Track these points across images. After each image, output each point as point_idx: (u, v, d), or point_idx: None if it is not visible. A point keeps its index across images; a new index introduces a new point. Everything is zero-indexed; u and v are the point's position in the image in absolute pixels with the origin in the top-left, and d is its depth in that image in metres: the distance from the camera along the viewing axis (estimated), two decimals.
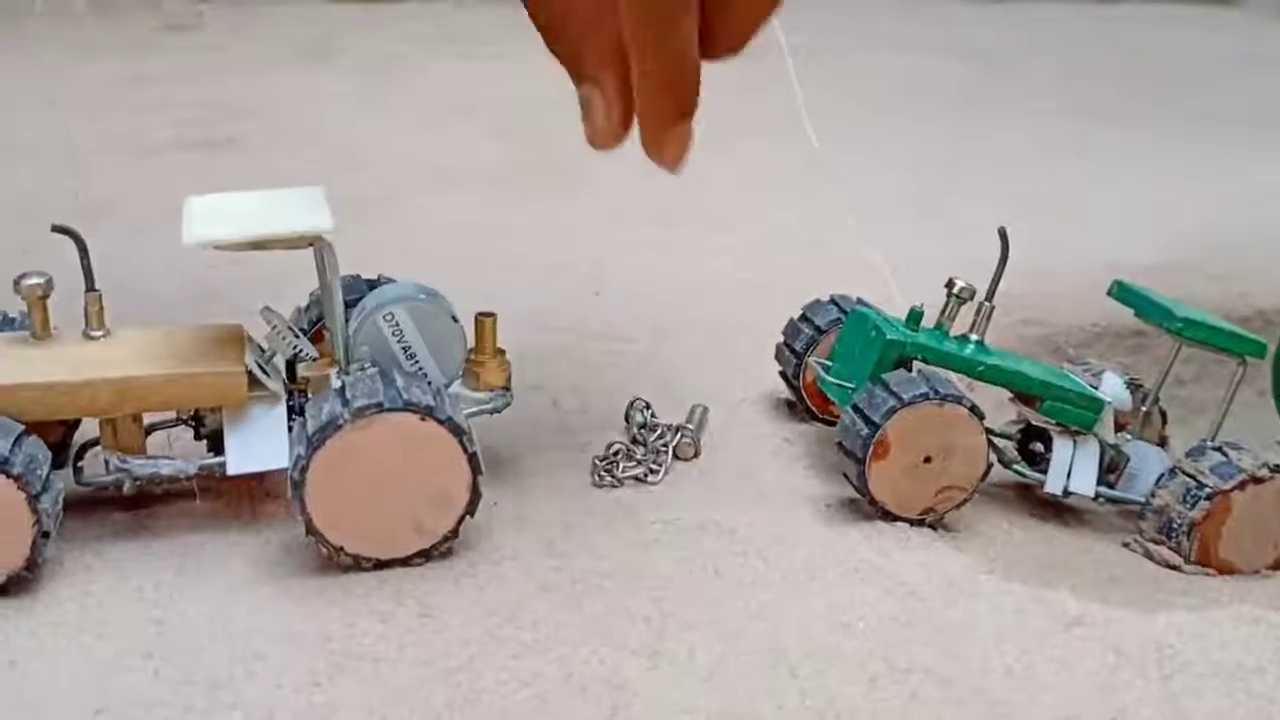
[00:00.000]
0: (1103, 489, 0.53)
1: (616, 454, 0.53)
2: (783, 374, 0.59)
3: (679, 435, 0.53)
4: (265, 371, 0.46)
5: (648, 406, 0.56)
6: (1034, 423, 0.54)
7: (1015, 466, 0.54)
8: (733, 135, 1.06)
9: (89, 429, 0.47)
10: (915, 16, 1.81)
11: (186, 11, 1.60)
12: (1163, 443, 0.58)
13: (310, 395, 0.47)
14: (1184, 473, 0.52)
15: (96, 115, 1.11)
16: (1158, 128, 1.21)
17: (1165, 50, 1.63)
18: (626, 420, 0.56)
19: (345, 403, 0.42)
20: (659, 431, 0.55)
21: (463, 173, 0.93)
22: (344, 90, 1.25)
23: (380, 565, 0.44)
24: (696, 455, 0.54)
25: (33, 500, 0.41)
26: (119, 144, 1.01)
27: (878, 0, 1.87)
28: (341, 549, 0.44)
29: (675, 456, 0.53)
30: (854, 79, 1.35)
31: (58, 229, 0.45)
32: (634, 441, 0.53)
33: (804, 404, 0.58)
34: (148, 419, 0.47)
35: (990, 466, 0.51)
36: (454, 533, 0.45)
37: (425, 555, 0.45)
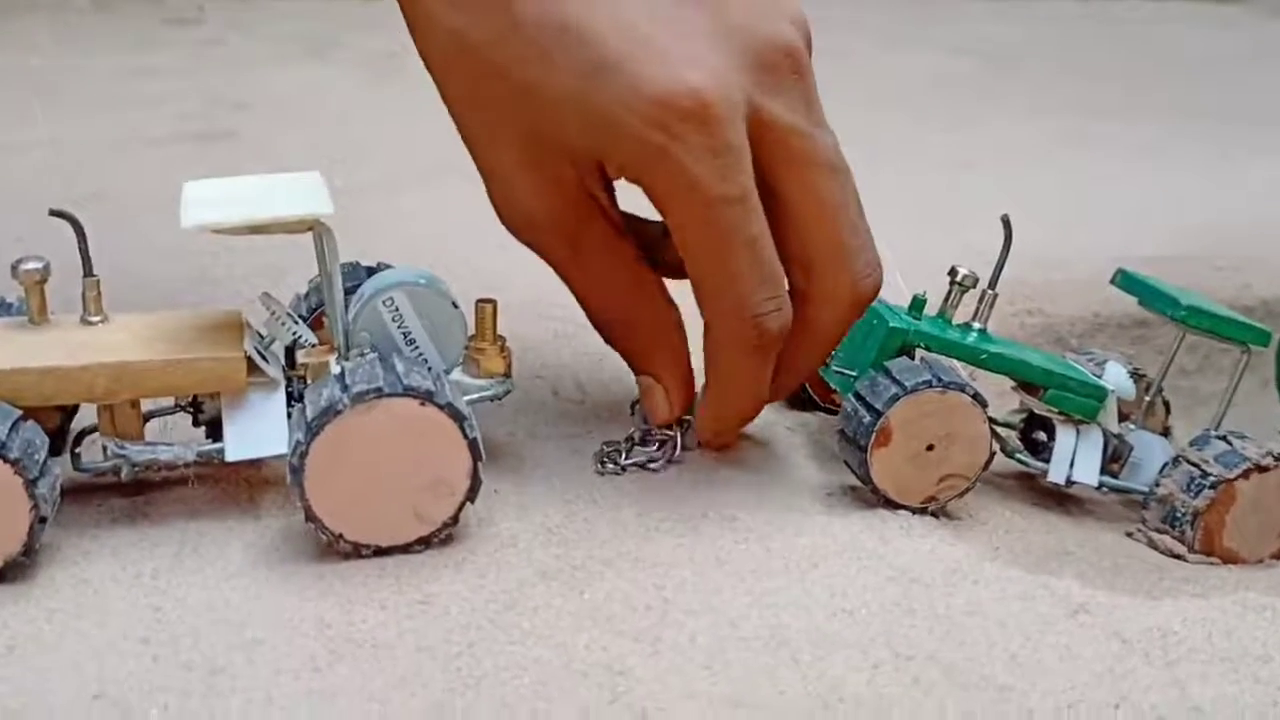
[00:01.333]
0: (1106, 478, 0.53)
1: (627, 440, 0.53)
2: None
3: (686, 427, 0.53)
4: (264, 357, 0.46)
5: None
6: (1037, 411, 0.54)
7: (1018, 455, 0.54)
8: None
9: (87, 415, 0.47)
10: (919, 13, 1.81)
11: (187, 5, 1.60)
12: (1166, 432, 0.58)
13: (309, 381, 0.46)
14: (1188, 462, 0.52)
15: (96, 108, 1.11)
16: (1161, 122, 1.21)
17: (1168, 45, 1.63)
18: (632, 411, 0.55)
19: (344, 388, 0.42)
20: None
21: (464, 162, 0.92)
22: (345, 84, 1.24)
23: (380, 552, 0.44)
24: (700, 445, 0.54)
25: (30, 486, 0.41)
26: (119, 136, 1.01)
27: None
28: (341, 535, 0.43)
29: (683, 447, 0.53)
30: (858, 75, 1.35)
31: (56, 213, 0.44)
32: (646, 434, 0.53)
33: (805, 392, 0.58)
34: (146, 405, 0.47)
35: (993, 455, 0.50)
36: (454, 519, 0.45)
37: (425, 542, 0.45)
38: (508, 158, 0.48)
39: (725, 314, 0.47)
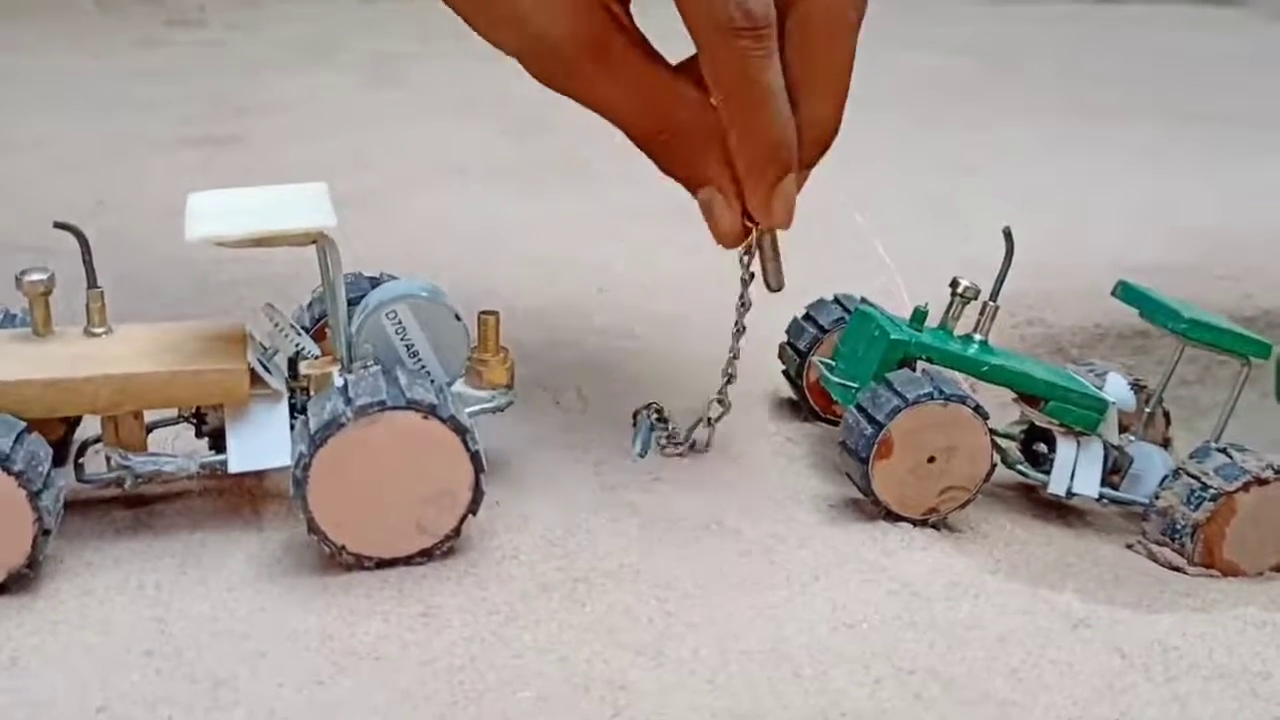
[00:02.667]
0: (1106, 490, 0.53)
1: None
2: (786, 373, 0.59)
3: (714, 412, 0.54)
4: (267, 369, 0.46)
5: (660, 412, 0.56)
6: (1037, 423, 0.54)
7: (1019, 467, 0.54)
8: None
9: (90, 426, 0.47)
10: (918, 14, 1.81)
11: (190, 7, 1.60)
12: (1166, 444, 0.58)
13: (312, 393, 0.46)
14: (1188, 474, 0.52)
15: (99, 110, 1.11)
16: (1161, 127, 1.21)
17: (1168, 49, 1.62)
18: (634, 422, 0.56)
19: (348, 401, 0.42)
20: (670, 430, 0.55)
21: (467, 170, 0.92)
22: (348, 87, 1.24)
23: (382, 564, 0.44)
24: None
25: (34, 498, 0.41)
26: (122, 140, 1.01)
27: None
28: (343, 548, 0.43)
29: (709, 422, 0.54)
30: (856, 75, 1.35)
31: (60, 225, 0.44)
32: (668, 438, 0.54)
33: (807, 403, 0.58)
34: (149, 416, 0.47)
35: (994, 467, 0.50)
36: (456, 532, 0.45)
37: (427, 554, 0.45)
38: None
39: (707, 4, 0.45)
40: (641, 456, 0.54)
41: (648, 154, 0.51)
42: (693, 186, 0.51)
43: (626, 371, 0.62)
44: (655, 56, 0.50)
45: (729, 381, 0.54)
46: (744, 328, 0.53)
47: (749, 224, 0.50)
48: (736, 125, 0.48)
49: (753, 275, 0.52)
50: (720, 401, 0.54)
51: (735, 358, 0.54)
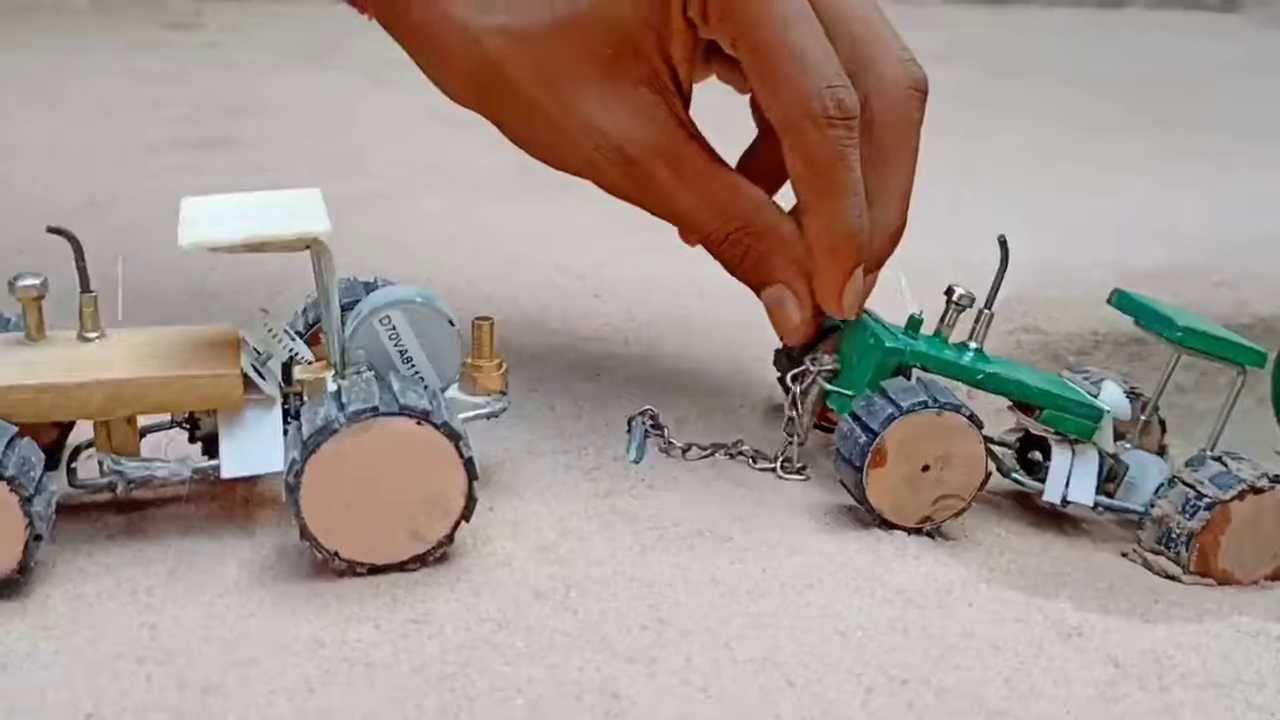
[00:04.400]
0: (1101, 498, 0.53)
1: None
2: (781, 380, 0.59)
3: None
4: (260, 374, 0.46)
5: (654, 419, 0.56)
6: (1033, 431, 0.54)
7: (1013, 475, 0.54)
8: (734, 141, 1.06)
9: (83, 431, 0.47)
10: (916, 21, 1.81)
11: (186, 9, 1.60)
12: (1162, 452, 0.58)
13: (306, 398, 0.46)
14: (1183, 482, 0.52)
15: (95, 111, 1.11)
16: (1158, 134, 1.21)
17: (1166, 56, 1.63)
18: (628, 428, 0.55)
19: (341, 407, 0.42)
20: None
21: (462, 175, 0.92)
22: (343, 90, 1.24)
23: (375, 570, 0.44)
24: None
25: (25, 503, 0.41)
26: (117, 141, 1.01)
27: (881, 5, 1.87)
28: (336, 554, 0.43)
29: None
30: None
31: (54, 230, 0.44)
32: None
33: None
34: (142, 421, 0.47)
35: (989, 475, 0.50)
36: (449, 538, 0.45)
37: (420, 560, 0.44)
38: (592, 110, 0.50)
39: (801, 91, 0.48)
40: (636, 463, 0.53)
41: (717, 256, 0.53)
42: (761, 286, 0.53)
43: (621, 378, 0.62)
44: (721, 160, 0.52)
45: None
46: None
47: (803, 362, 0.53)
48: (821, 212, 0.50)
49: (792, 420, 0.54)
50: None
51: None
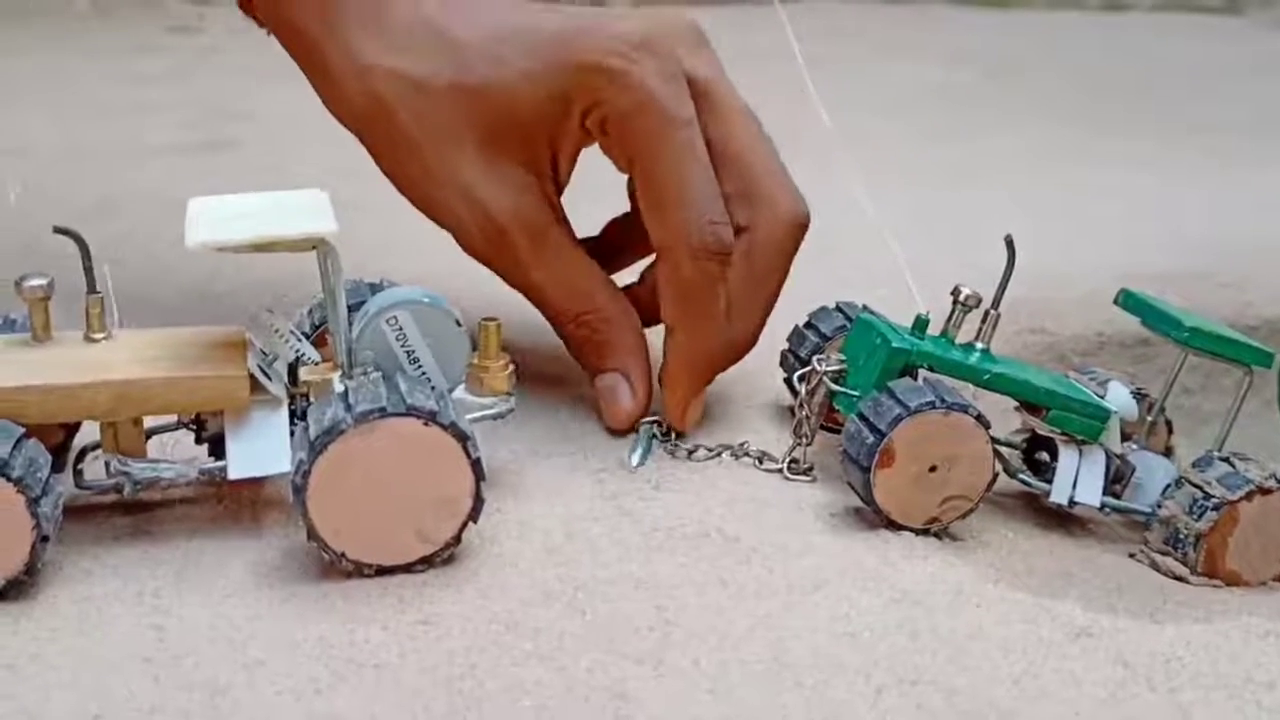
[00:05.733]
0: (1108, 499, 0.53)
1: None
2: (787, 381, 0.59)
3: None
4: (267, 375, 0.46)
5: (659, 424, 0.56)
6: (1040, 432, 0.54)
7: (1020, 476, 0.54)
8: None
9: (90, 432, 0.47)
10: (920, 24, 1.81)
11: (188, 13, 1.60)
12: (1168, 452, 0.58)
13: (312, 399, 0.46)
14: (1190, 483, 0.52)
15: (97, 114, 1.11)
16: (1163, 136, 1.21)
17: (1169, 58, 1.63)
18: (635, 433, 0.55)
19: (348, 407, 0.42)
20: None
21: None
22: None
23: (382, 571, 0.44)
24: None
25: (32, 504, 0.41)
26: (120, 144, 1.01)
27: (883, 8, 1.87)
28: (343, 555, 0.43)
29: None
30: (859, 85, 1.35)
31: (59, 230, 0.44)
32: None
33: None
34: (148, 422, 0.47)
35: (996, 476, 0.50)
36: (457, 539, 0.45)
37: (427, 562, 0.44)
38: (469, 173, 0.52)
39: (684, 223, 0.51)
40: (640, 466, 0.53)
41: (563, 335, 0.56)
42: (599, 371, 0.56)
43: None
44: (579, 246, 0.56)
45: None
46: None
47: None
48: (685, 332, 0.53)
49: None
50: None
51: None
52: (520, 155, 0.53)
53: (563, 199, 0.56)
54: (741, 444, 0.55)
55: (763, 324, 0.56)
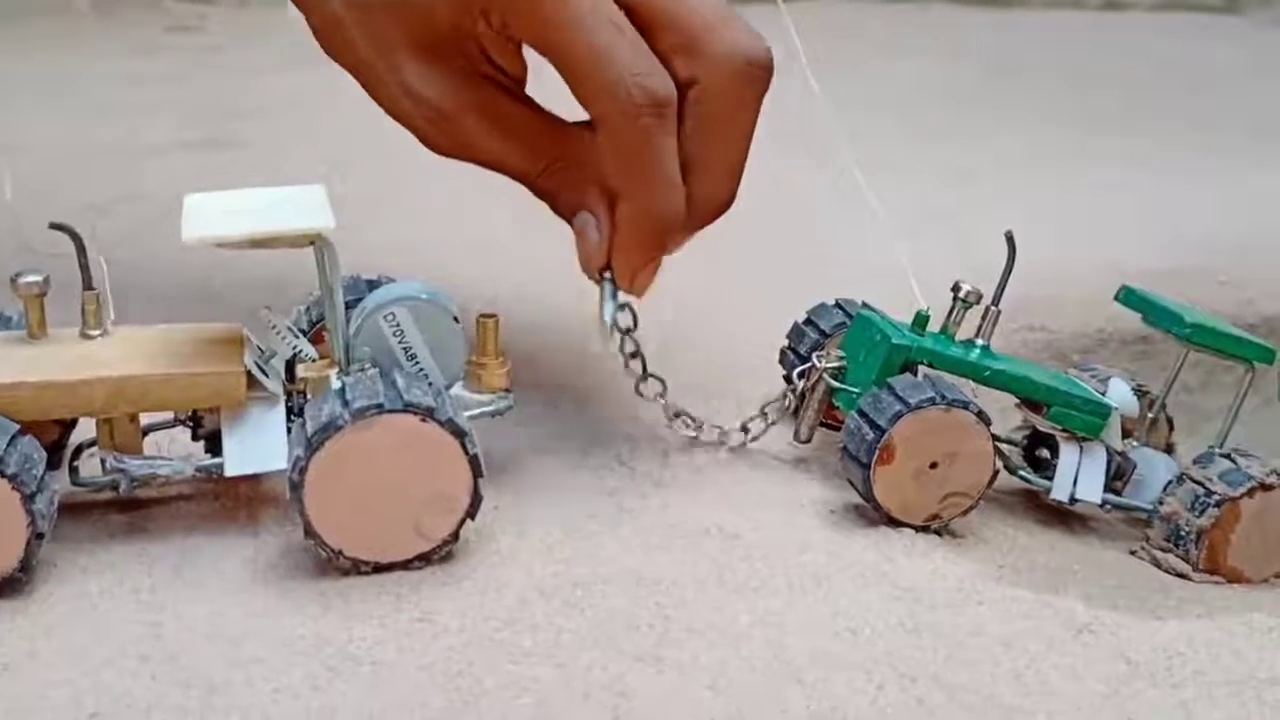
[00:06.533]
0: (1110, 496, 0.53)
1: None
2: (786, 378, 0.59)
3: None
4: (264, 372, 0.45)
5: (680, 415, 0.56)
6: (1040, 428, 0.53)
7: (1021, 472, 0.53)
8: None
9: (86, 429, 0.47)
10: (919, 22, 1.81)
11: (189, 13, 1.60)
12: (1169, 449, 0.58)
13: (309, 396, 0.46)
14: (1192, 480, 0.51)
15: (97, 114, 1.10)
16: (1162, 134, 1.21)
17: (1170, 58, 1.62)
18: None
19: (345, 404, 0.42)
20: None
21: (464, 174, 0.92)
22: (345, 93, 1.24)
23: (379, 568, 0.44)
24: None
25: (27, 501, 0.40)
26: (120, 143, 1.01)
27: (882, 7, 1.87)
28: (340, 552, 0.43)
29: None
30: (858, 83, 1.34)
31: (55, 226, 0.44)
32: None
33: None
34: (145, 419, 0.46)
35: (996, 473, 0.50)
36: (454, 536, 0.44)
37: (425, 559, 0.44)
38: (410, 76, 0.51)
39: (606, 85, 0.47)
40: (611, 327, 0.52)
41: (539, 194, 0.54)
42: (570, 213, 0.53)
43: (624, 378, 0.61)
44: (533, 104, 0.53)
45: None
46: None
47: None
48: (629, 199, 0.49)
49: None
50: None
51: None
52: (454, 59, 0.52)
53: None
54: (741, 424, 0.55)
55: (728, 181, 0.51)
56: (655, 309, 0.70)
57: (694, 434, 0.55)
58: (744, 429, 0.55)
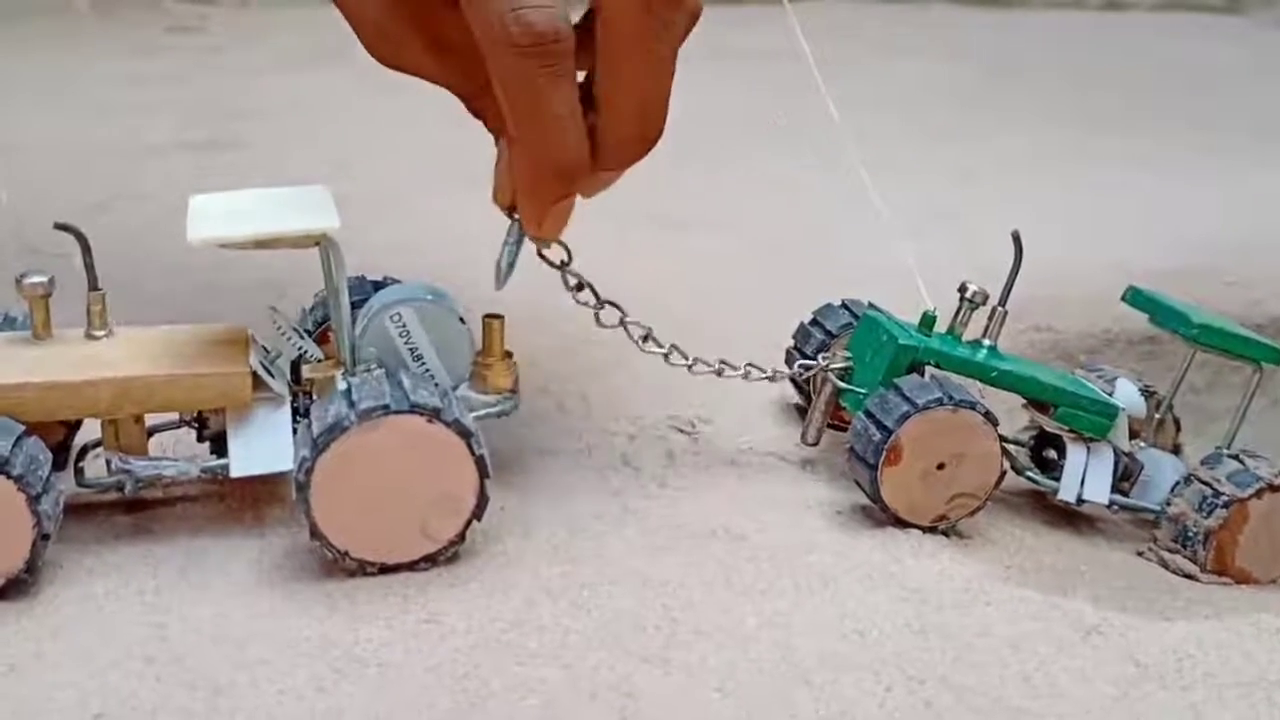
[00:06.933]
0: (1117, 497, 0.53)
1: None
2: (792, 379, 0.58)
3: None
4: (270, 373, 0.45)
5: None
6: (1047, 429, 0.53)
7: (1028, 473, 0.53)
8: (736, 140, 1.06)
9: (91, 430, 0.47)
10: (921, 23, 1.81)
11: (189, 14, 1.60)
12: (1176, 450, 0.58)
13: (315, 397, 0.46)
14: (1199, 480, 0.51)
15: (98, 114, 1.10)
16: (1166, 134, 1.21)
17: (1172, 58, 1.62)
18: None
19: (351, 404, 0.42)
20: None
21: (470, 174, 0.92)
22: (346, 93, 1.24)
23: (385, 570, 0.44)
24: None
25: (33, 502, 0.40)
26: (121, 143, 1.01)
27: (883, 7, 1.87)
28: (346, 553, 0.43)
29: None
30: (859, 83, 1.34)
31: (60, 227, 0.44)
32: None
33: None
34: (150, 420, 0.46)
35: (1004, 474, 0.50)
36: (461, 537, 0.44)
37: (431, 560, 0.44)
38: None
39: (485, 21, 0.43)
40: (503, 278, 0.49)
41: (473, 114, 0.50)
42: (496, 133, 0.49)
43: (631, 378, 0.61)
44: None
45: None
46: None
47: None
48: (519, 142, 0.46)
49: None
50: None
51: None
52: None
53: None
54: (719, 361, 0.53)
55: (639, 121, 0.47)
56: (657, 308, 0.71)
57: (664, 353, 0.52)
58: (721, 363, 0.53)
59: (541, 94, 0.44)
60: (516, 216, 0.48)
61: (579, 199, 0.49)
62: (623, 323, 0.51)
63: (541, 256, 0.49)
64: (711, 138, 1.04)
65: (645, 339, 0.52)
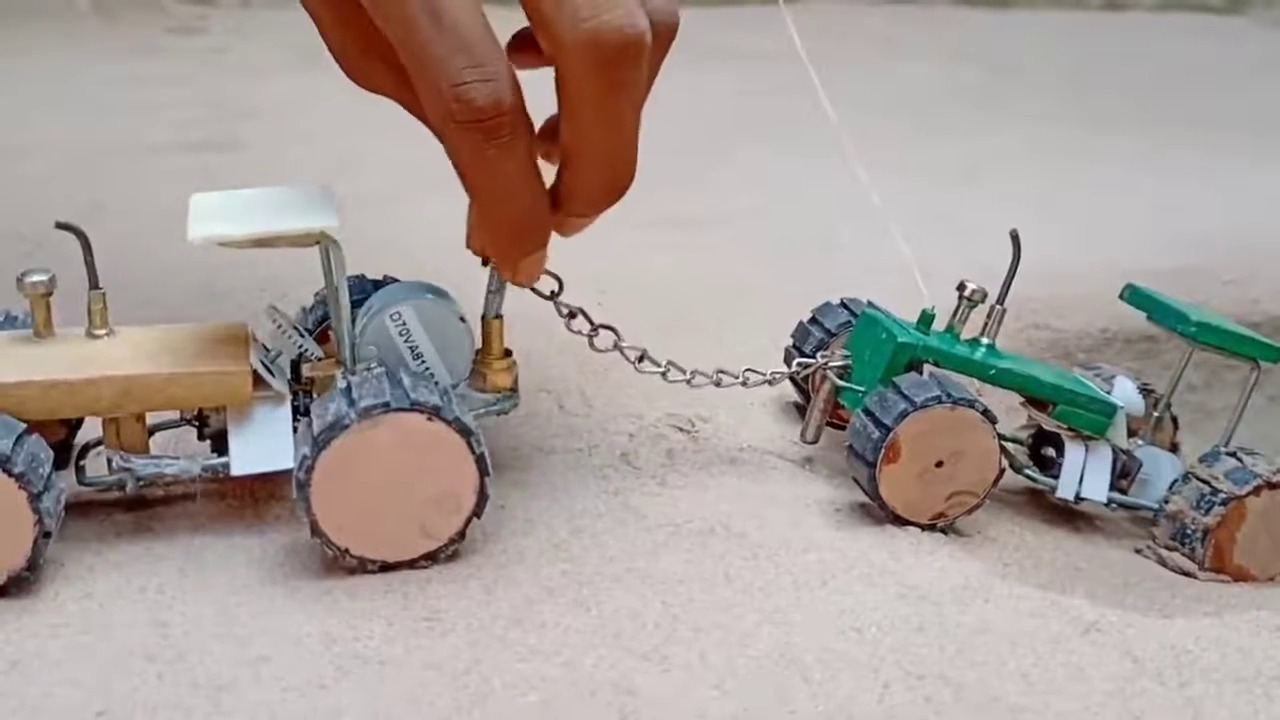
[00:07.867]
0: (1115, 495, 0.53)
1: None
2: (791, 378, 0.59)
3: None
4: (270, 371, 0.45)
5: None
6: (1046, 427, 0.53)
7: (1026, 471, 0.53)
8: (735, 139, 1.06)
9: (92, 428, 0.47)
10: (921, 22, 1.81)
11: (190, 15, 1.60)
12: (1174, 448, 0.58)
13: (315, 395, 0.46)
14: (1197, 478, 0.51)
15: (99, 115, 1.10)
16: (1165, 134, 1.21)
17: (1172, 57, 1.62)
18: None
19: (351, 403, 0.42)
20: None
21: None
22: (346, 93, 1.24)
23: (386, 567, 0.44)
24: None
25: (34, 500, 0.40)
26: (122, 144, 1.01)
27: (883, 7, 1.87)
28: (347, 551, 0.43)
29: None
30: (860, 83, 1.34)
31: (62, 226, 0.44)
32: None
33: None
34: (151, 418, 0.46)
35: (1002, 471, 0.50)
36: (461, 535, 0.44)
37: (432, 558, 0.44)
38: (328, 15, 0.47)
39: (429, 97, 0.42)
40: (490, 316, 0.50)
41: (444, 147, 0.47)
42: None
43: (629, 376, 0.61)
44: None
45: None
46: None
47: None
48: (478, 209, 0.46)
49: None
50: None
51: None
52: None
53: None
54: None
55: (603, 171, 0.46)
56: (658, 308, 0.71)
57: (661, 371, 0.53)
58: (718, 373, 0.53)
59: (491, 164, 0.43)
60: (492, 265, 0.49)
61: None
62: (618, 346, 0.52)
63: (533, 289, 0.50)
64: (711, 138, 1.05)
65: (641, 359, 0.53)
